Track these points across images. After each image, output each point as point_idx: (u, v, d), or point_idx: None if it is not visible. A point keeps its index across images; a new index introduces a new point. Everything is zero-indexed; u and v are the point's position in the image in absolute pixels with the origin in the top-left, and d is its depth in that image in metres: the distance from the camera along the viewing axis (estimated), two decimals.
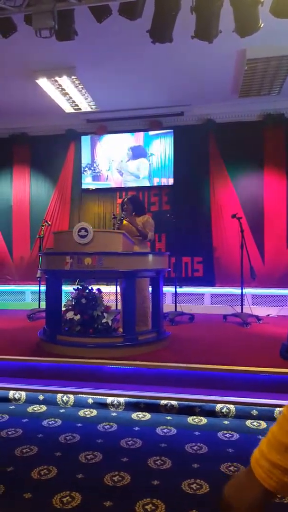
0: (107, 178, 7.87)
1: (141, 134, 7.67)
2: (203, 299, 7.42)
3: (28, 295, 8.04)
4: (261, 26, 3.93)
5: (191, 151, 7.55)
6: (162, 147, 7.60)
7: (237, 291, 6.69)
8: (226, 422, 3.45)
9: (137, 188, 7.76)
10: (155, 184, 7.68)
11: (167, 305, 6.60)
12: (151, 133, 7.63)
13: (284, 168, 7.23)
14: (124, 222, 5.11)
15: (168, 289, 6.87)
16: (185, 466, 2.72)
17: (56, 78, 5.99)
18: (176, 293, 6.64)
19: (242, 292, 6.34)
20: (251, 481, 0.86)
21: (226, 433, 3.23)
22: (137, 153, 7.72)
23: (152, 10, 3.95)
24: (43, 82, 6.13)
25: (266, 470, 0.83)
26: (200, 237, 7.48)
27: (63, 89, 6.41)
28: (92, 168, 7.93)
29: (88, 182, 7.94)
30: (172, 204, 7.65)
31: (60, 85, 6.24)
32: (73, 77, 6.00)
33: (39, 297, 6.87)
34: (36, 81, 6.06)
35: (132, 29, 4.42)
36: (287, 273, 7.12)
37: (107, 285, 7.18)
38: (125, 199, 5.38)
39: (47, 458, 2.84)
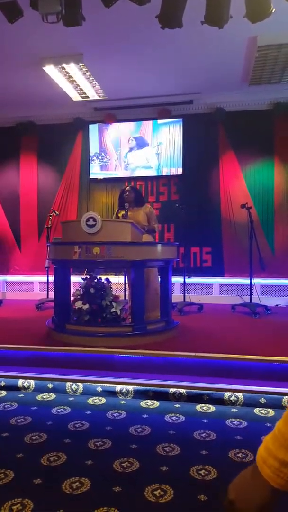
0: (115, 168, 7.83)
1: (150, 122, 7.60)
2: (212, 289, 7.40)
3: (37, 285, 8.06)
4: (273, 11, 3.85)
5: (201, 140, 7.47)
6: (171, 136, 7.53)
7: (246, 281, 6.66)
8: (234, 410, 3.44)
9: (146, 177, 7.71)
10: (164, 173, 7.62)
11: (176, 296, 6.56)
12: (159, 121, 7.56)
13: None
14: (129, 213, 5.09)
15: (176, 280, 6.85)
16: (194, 453, 2.73)
17: (64, 65, 5.91)
18: (184, 283, 6.63)
19: (251, 282, 6.30)
20: (258, 481, 0.81)
21: (234, 421, 3.23)
22: (141, 143, 7.66)
23: None
24: (50, 70, 6.06)
25: (275, 469, 0.79)
26: (209, 227, 7.42)
27: (70, 77, 6.33)
28: (100, 158, 7.87)
29: (96, 172, 7.89)
30: (181, 194, 7.59)
31: (67, 72, 6.17)
32: (80, 64, 5.92)
33: (47, 287, 6.89)
34: (43, 68, 5.98)
35: (140, 15, 4.36)
36: None
37: (115, 275, 7.16)
38: (127, 188, 5.35)
39: (56, 445, 2.86)
